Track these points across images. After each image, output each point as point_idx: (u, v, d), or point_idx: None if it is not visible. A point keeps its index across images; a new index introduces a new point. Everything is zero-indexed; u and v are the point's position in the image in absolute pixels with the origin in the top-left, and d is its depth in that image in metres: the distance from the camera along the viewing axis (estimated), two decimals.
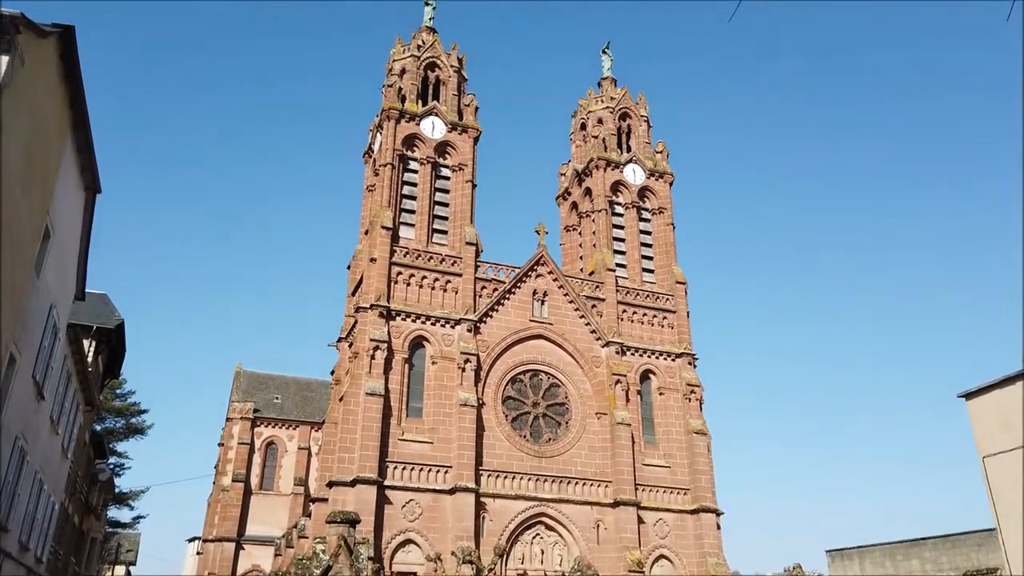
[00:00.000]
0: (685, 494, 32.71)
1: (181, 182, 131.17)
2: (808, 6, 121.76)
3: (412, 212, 33.79)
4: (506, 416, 31.65)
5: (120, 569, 51.48)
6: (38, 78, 13.12)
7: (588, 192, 38.35)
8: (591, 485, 31.44)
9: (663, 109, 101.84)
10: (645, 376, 34.61)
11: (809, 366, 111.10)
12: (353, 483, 27.66)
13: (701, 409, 34.29)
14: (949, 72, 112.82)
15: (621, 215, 37.95)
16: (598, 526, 30.66)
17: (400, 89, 35.68)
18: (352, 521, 22.04)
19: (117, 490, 48.56)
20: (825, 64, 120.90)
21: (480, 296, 32.96)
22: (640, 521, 31.04)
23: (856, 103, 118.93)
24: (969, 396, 20.68)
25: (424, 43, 37.58)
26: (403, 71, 36.67)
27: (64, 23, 13.12)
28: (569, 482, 31.19)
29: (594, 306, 34.66)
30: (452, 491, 28.82)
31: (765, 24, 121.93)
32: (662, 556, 31.31)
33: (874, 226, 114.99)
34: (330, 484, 28.40)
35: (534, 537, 30.24)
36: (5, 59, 11.43)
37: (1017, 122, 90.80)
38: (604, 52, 43.06)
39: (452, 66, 37.38)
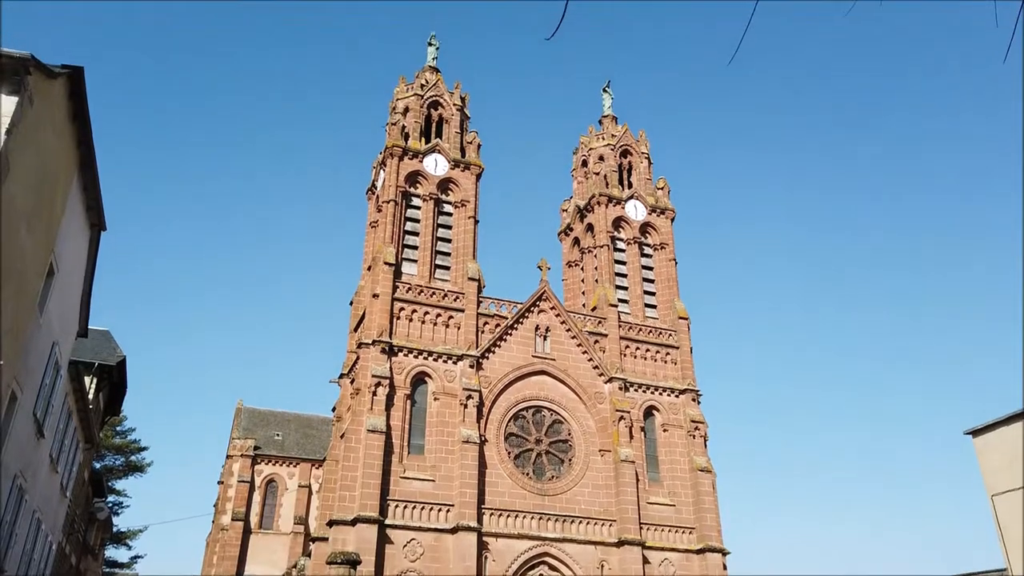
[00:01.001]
0: (690, 533, 32.25)
1: (183, 214, 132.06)
2: (809, 39, 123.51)
3: (415, 248, 33.96)
4: (509, 453, 31.37)
5: None
6: (47, 118, 13.31)
7: (590, 228, 38.55)
8: (595, 524, 31.03)
9: (663, 139, 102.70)
10: (648, 412, 34.36)
11: (815, 402, 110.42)
12: (354, 522, 27.32)
13: (706, 446, 33.97)
14: (955, 83, 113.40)
15: (623, 251, 38.10)
16: (602, 566, 30.15)
17: (403, 127, 36.14)
18: (353, 562, 21.83)
19: (115, 529, 48.08)
20: (827, 79, 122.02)
21: (482, 332, 32.93)
22: (645, 561, 30.53)
23: (860, 121, 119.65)
24: (976, 433, 20.44)
25: (427, 82, 38.13)
26: (406, 109, 37.15)
27: (74, 64, 13.35)
28: (572, 521, 30.79)
29: (597, 342, 34.59)
30: (454, 530, 28.46)
31: (766, 51, 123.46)
32: None
33: (879, 250, 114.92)
34: (330, 523, 28.03)
35: None
36: (15, 99, 11.61)
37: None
38: (605, 90, 43.73)
39: (455, 104, 37.89)
